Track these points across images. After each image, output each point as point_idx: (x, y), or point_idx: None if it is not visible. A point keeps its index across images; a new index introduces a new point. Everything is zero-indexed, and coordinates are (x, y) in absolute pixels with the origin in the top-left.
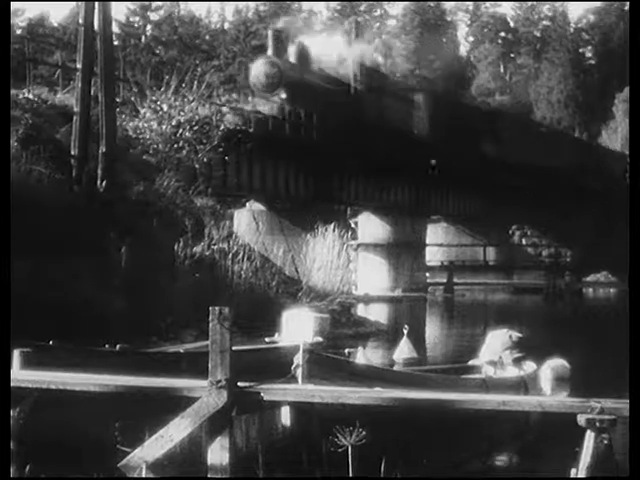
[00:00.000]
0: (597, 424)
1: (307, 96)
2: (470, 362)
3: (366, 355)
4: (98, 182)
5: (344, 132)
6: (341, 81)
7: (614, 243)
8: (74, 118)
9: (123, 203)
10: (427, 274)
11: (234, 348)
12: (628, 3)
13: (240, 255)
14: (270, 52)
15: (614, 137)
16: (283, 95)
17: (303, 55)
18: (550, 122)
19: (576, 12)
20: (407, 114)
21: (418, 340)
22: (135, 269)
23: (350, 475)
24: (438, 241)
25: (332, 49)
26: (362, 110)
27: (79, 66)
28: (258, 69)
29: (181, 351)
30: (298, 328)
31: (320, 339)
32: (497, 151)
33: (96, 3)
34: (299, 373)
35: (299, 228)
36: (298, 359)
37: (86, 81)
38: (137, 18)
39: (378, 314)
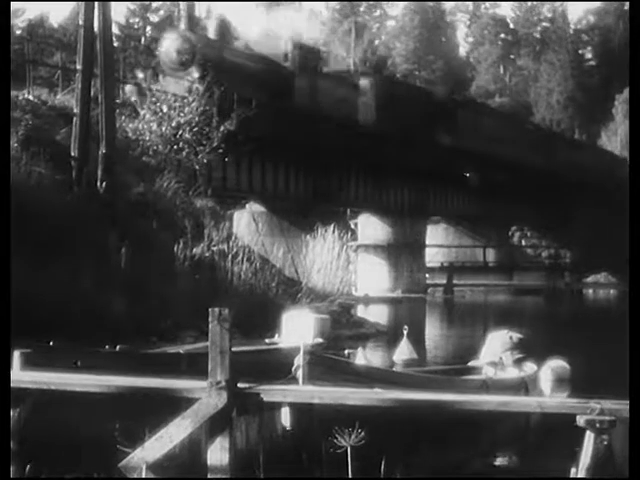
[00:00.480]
0: (597, 425)
1: (226, 76)
2: (470, 363)
3: (366, 356)
4: (98, 183)
5: (269, 118)
6: (270, 60)
7: (614, 244)
8: (74, 119)
9: (123, 204)
10: (427, 275)
11: (234, 349)
12: (628, 3)
13: (240, 256)
14: (183, 26)
15: (614, 138)
16: (196, 74)
17: (223, 30)
18: (550, 124)
19: (576, 13)
20: (350, 100)
21: (418, 341)
22: (135, 270)
23: (350, 476)
24: (438, 242)
25: (263, 25)
26: (291, 94)
27: (79, 67)
28: (168, 45)
29: (181, 352)
30: (298, 329)
31: (320, 340)
32: (456, 141)
33: (96, 4)
34: (300, 374)
35: (299, 229)
36: (299, 360)
37: (86, 82)
38: (137, 19)
39: (378, 315)
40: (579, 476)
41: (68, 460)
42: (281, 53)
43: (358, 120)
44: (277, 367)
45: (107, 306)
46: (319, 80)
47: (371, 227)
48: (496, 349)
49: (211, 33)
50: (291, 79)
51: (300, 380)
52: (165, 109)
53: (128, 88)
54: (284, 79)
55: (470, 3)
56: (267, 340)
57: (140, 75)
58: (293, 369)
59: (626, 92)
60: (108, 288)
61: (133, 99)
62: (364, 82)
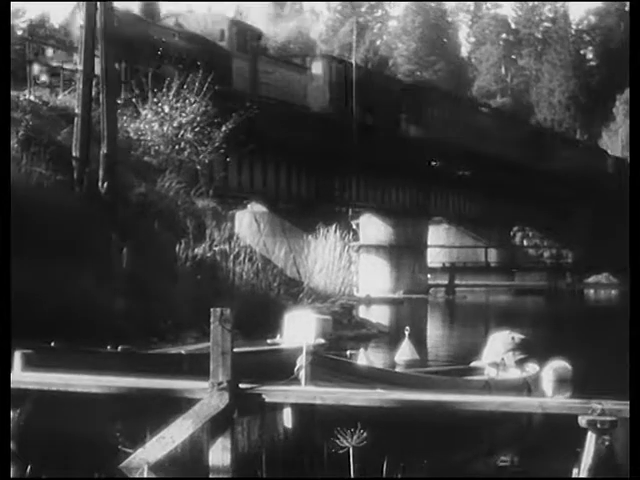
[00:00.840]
0: (598, 425)
1: (149, 55)
2: (472, 364)
3: (368, 357)
4: (99, 184)
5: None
6: (203, 39)
7: (615, 244)
8: (75, 120)
9: (124, 205)
10: (428, 275)
11: (235, 349)
12: (628, 4)
13: (241, 256)
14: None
15: (615, 138)
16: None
17: (150, 7)
18: (552, 124)
19: (577, 13)
20: (298, 84)
21: (419, 342)
22: (136, 270)
23: (351, 477)
24: (439, 242)
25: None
26: (229, 76)
27: (80, 67)
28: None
29: (182, 352)
30: (300, 330)
31: (322, 341)
32: (421, 132)
33: (98, 4)
34: (302, 375)
35: (300, 229)
36: (301, 361)
37: (87, 83)
38: None
39: (379, 316)
40: (581, 476)
41: (69, 461)
42: (217, 32)
43: (308, 106)
44: (279, 368)
45: (108, 306)
46: (262, 62)
47: (373, 227)
48: (498, 350)
49: (137, 11)
50: (228, 60)
51: (303, 381)
52: (167, 109)
53: (36, 67)
54: (220, 59)
55: (471, 3)
56: (269, 341)
57: (50, 53)
58: (296, 370)
59: (627, 92)
60: (109, 288)
61: (43, 79)
62: (316, 65)
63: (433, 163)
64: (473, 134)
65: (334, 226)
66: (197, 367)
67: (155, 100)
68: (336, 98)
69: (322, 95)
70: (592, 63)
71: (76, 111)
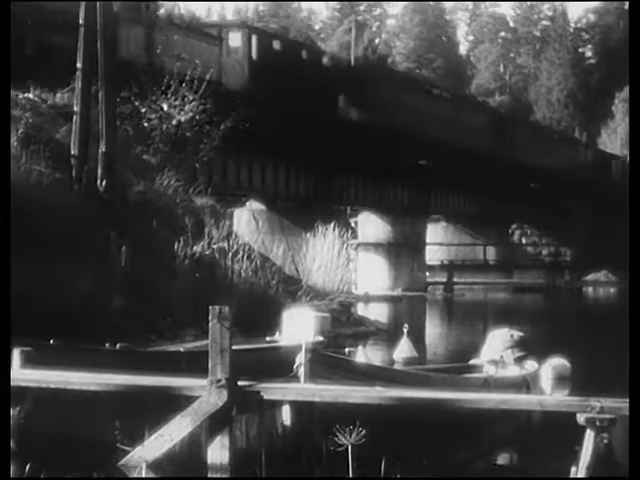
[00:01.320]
0: (597, 423)
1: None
2: (471, 361)
3: (366, 354)
4: (98, 182)
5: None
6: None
7: (614, 242)
8: (74, 118)
9: (123, 203)
10: (427, 273)
11: (234, 347)
12: (628, 2)
13: (240, 254)
14: None
15: (614, 137)
16: None
17: None
18: (550, 122)
19: (576, 12)
20: (212, 59)
21: (418, 339)
22: (135, 268)
23: (350, 475)
24: (438, 240)
25: None
26: (116, 44)
27: (79, 65)
28: None
29: (181, 350)
30: (298, 327)
31: (321, 338)
32: (364, 116)
33: (97, 3)
34: (301, 372)
35: (299, 227)
36: (300, 358)
37: (86, 81)
38: None
39: (378, 313)
40: (579, 475)
41: (68, 459)
42: None
43: (222, 82)
44: (277, 365)
45: (107, 304)
46: (158, 30)
47: (371, 225)
48: (497, 347)
49: None
50: (114, 26)
51: (302, 378)
52: (165, 107)
53: None
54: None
55: (470, 2)
56: (267, 338)
57: None
58: (295, 367)
59: (626, 90)
60: (108, 286)
61: None
62: (234, 37)
63: (422, 162)
64: (430, 120)
65: (333, 224)
66: (196, 365)
67: (154, 98)
68: (257, 75)
69: (241, 72)
70: (591, 61)
71: (75, 109)
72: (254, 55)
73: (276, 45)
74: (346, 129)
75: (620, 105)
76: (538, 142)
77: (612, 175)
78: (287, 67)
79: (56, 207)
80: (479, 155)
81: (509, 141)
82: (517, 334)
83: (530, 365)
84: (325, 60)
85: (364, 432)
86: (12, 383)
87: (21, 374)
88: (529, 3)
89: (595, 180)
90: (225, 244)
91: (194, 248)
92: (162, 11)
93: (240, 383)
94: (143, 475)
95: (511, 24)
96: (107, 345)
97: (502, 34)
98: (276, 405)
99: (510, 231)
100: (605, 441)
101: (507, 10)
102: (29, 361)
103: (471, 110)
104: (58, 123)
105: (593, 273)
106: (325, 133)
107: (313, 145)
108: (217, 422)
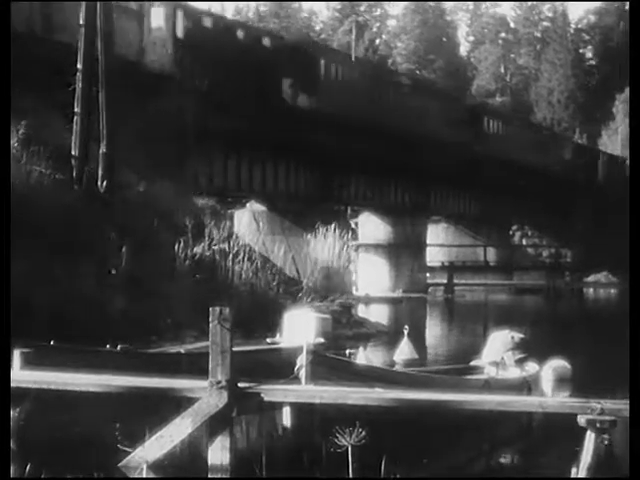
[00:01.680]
0: (597, 425)
1: None
2: (472, 363)
3: (367, 356)
4: (98, 182)
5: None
6: None
7: (614, 243)
8: (74, 118)
9: (123, 203)
10: (427, 274)
11: (234, 349)
12: (628, 3)
13: (240, 255)
14: None
15: (614, 138)
16: None
17: None
18: (551, 123)
19: (576, 12)
20: (133, 36)
21: (418, 341)
22: (135, 269)
23: (350, 475)
24: (438, 241)
25: None
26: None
27: (80, 66)
28: None
29: (182, 351)
30: (299, 329)
31: (322, 340)
32: (315, 102)
33: (97, 3)
34: (303, 374)
35: (300, 228)
36: (302, 360)
37: (87, 81)
38: None
39: (378, 315)
40: (580, 476)
41: (68, 460)
42: None
43: (143, 63)
44: (278, 367)
45: (107, 305)
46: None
47: (372, 226)
48: (498, 349)
49: None
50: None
51: (303, 380)
52: None
53: None
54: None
55: (470, 2)
56: (268, 340)
57: None
58: (296, 369)
59: (627, 91)
60: (108, 287)
61: None
62: (156, 13)
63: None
64: (386, 108)
65: (333, 225)
66: (196, 366)
67: None
68: (183, 55)
69: (164, 51)
70: (591, 62)
71: (76, 110)
72: (179, 33)
73: (207, 22)
74: (295, 117)
75: (621, 106)
76: (511, 135)
77: (601, 174)
78: (219, 47)
79: (56, 208)
80: (451, 145)
81: (483, 134)
82: (518, 336)
83: (531, 367)
84: (265, 41)
85: (364, 433)
86: (12, 384)
87: (21, 375)
88: (529, 4)
89: (590, 179)
90: (225, 245)
91: (194, 249)
92: None
93: (240, 384)
94: (144, 476)
95: (512, 25)
96: (107, 346)
97: (503, 35)
98: (276, 407)
99: (511, 232)
100: (605, 442)
101: (507, 11)
102: (29, 362)
103: (441, 100)
104: (58, 123)
105: (593, 274)
106: (267, 120)
107: (311, 143)
108: (217, 423)
